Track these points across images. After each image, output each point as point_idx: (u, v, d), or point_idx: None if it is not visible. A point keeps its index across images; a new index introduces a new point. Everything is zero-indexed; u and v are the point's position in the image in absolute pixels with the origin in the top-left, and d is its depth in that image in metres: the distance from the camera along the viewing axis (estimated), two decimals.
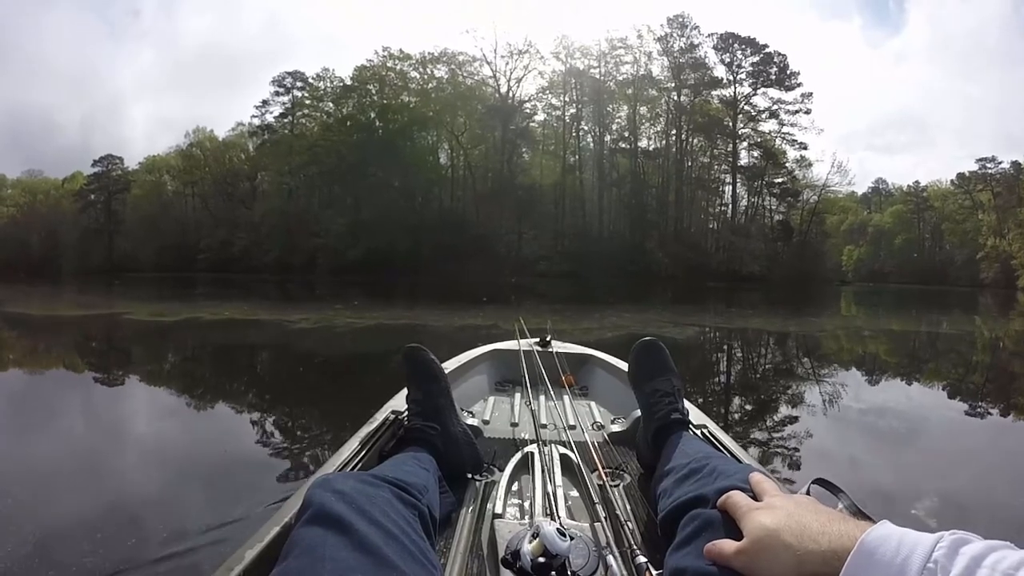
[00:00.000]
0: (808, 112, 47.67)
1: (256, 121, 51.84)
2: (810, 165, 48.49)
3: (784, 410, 5.07)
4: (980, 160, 55.41)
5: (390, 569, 0.79)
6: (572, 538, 0.97)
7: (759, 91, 48.22)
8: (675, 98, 48.06)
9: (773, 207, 50.31)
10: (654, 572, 0.94)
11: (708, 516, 0.89)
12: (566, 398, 2.19)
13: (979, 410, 5.35)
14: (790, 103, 47.81)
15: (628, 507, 1.35)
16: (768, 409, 5.14)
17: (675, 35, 47.66)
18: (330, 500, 0.87)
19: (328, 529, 0.82)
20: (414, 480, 1.10)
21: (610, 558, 1.02)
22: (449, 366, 2.34)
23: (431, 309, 14.22)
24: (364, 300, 17.71)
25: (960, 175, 57.36)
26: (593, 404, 2.34)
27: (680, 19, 47.62)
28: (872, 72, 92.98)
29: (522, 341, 2.90)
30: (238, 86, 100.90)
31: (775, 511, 0.75)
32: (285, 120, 51.18)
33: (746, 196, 50.21)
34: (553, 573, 0.94)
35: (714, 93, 48.79)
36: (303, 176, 49.52)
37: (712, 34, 48.32)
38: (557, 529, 0.95)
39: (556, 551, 0.93)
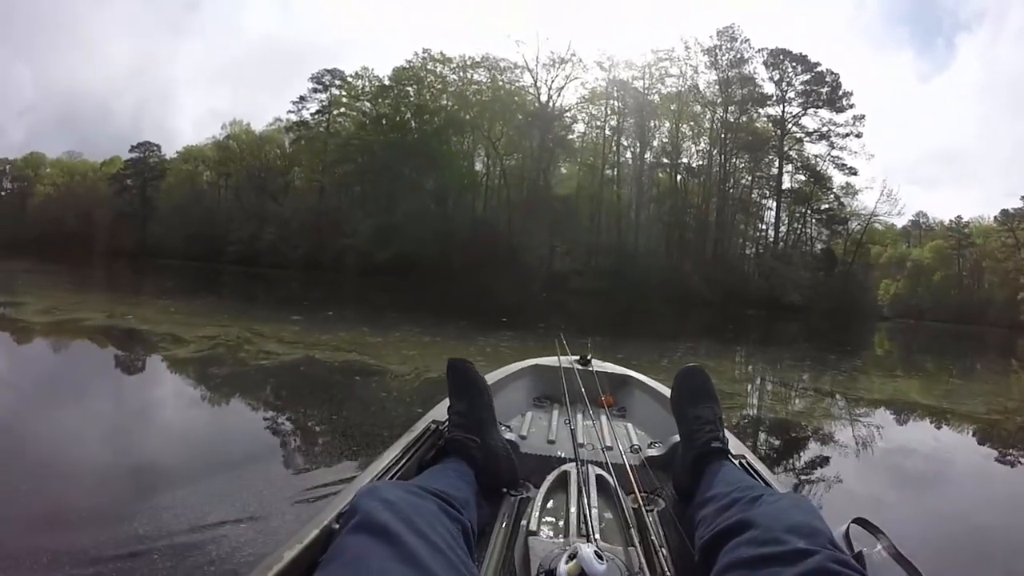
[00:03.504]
0: (859, 136, 42.53)
1: (293, 117, 48.15)
2: (856, 193, 43.34)
3: None
4: None
5: None
6: (607, 561, 0.95)
7: (809, 111, 43.26)
8: (720, 114, 43.36)
9: (815, 234, 45.38)
10: None
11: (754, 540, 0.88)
12: (604, 418, 2.06)
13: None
14: (841, 125, 42.83)
15: (662, 533, 1.28)
16: None
17: (724, 47, 42.90)
18: (377, 509, 0.86)
19: (374, 538, 0.80)
20: (457, 493, 1.07)
21: None
22: (490, 379, 2.02)
23: (424, 333, 9.76)
24: (349, 313, 13.59)
25: (1004, 211, 52.29)
26: (631, 426, 2.21)
27: (730, 31, 42.87)
28: (919, 105, 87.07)
29: (563, 358, 2.66)
30: (287, 82, 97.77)
31: None
32: (322, 117, 47.48)
33: (788, 221, 45.31)
34: None
35: (761, 111, 43.96)
36: (335, 174, 45.78)
37: (762, 49, 43.42)
38: (595, 552, 0.93)
39: (593, 573, 0.91)
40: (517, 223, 41.29)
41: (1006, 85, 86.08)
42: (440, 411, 1.70)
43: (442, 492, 1.01)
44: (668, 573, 0.96)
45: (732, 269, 41.48)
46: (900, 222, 51.37)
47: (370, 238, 39.71)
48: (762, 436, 4.85)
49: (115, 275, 22.60)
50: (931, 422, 6.37)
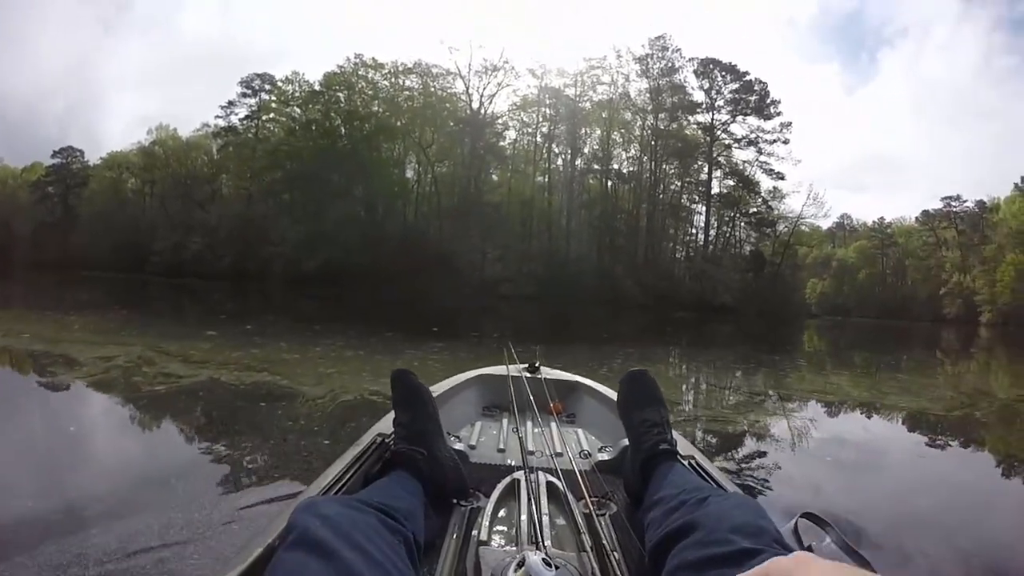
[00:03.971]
0: (786, 142, 43.46)
1: (221, 122, 46.16)
2: (784, 196, 44.19)
3: None
4: (945, 198, 53.04)
5: None
6: (558, 568, 0.94)
7: (737, 118, 43.93)
8: (651, 121, 43.54)
9: (744, 237, 46.17)
10: None
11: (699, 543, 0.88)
12: (553, 425, 2.05)
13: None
14: (768, 132, 43.64)
15: (614, 537, 1.26)
16: None
17: (656, 56, 43.12)
18: (315, 524, 0.84)
19: (311, 554, 0.79)
20: (399, 505, 1.06)
21: None
22: (436, 390, 2.09)
23: (347, 347, 8.85)
24: (270, 325, 12.28)
25: (925, 212, 55.04)
26: (580, 432, 2.16)
27: (662, 41, 43.15)
28: (845, 115, 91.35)
29: (511, 366, 2.59)
30: (222, 86, 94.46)
31: None
32: (251, 123, 45.71)
33: (717, 225, 45.99)
34: None
35: (691, 118, 44.37)
36: (264, 181, 43.99)
37: (693, 58, 43.94)
38: (543, 559, 0.93)
39: None
40: (448, 230, 40.55)
41: (926, 96, 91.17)
42: (386, 424, 1.69)
43: (384, 505, 0.99)
44: None
45: (663, 273, 41.67)
46: (826, 224, 52.95)
47: (298, 246, 38.38)
48: (711, 437, 4.78)
49: (31, 288, 21.10)
50: (863, 413, 6.47)
